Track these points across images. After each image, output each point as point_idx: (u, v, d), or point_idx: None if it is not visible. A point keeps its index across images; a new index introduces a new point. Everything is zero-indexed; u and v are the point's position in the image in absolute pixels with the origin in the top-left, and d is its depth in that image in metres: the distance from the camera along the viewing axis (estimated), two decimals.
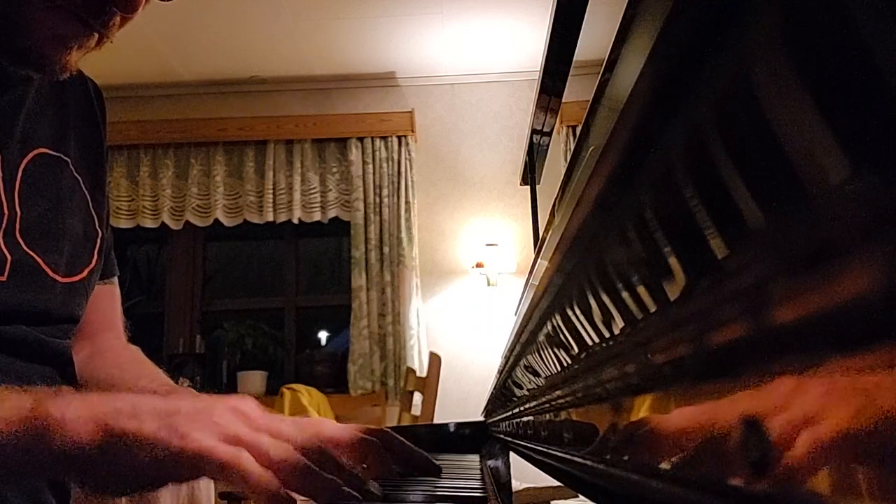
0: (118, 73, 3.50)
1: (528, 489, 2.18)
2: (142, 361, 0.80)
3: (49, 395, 0.43)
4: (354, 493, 0.45)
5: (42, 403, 0.42)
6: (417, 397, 2.91)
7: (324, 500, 0.44)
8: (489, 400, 1.27)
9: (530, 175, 1.55)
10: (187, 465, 0.41)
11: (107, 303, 0.81)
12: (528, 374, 0.59)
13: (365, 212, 3.50)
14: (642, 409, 0.24)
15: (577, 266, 0.32)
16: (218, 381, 3.66)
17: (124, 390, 0.71)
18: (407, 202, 3.49)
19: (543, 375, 0.49)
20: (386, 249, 3.46)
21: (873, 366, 0.11)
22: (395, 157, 3.54)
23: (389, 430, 0.62)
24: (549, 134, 1.42)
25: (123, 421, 0.42)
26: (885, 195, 0.10)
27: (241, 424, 0.45)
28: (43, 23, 0.53)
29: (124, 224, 3.55)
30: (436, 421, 2.72)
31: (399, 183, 3.51)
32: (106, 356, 0.77)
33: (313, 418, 0.58)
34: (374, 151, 3.56)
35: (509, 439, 0.84)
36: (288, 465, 0.43)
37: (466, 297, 3.50)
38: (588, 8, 0.92)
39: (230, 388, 3.54)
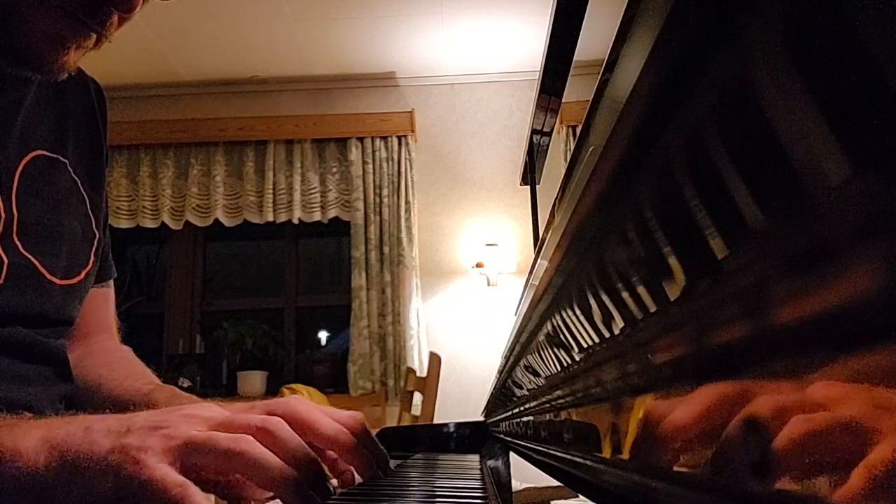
0: (118, 73, 3.50)
1: (528, 489, 2.18)
2: (131, 361, 0.80)
3: (6, 425, 0.43)
4: (313, 494, 0.43)
5: None
6: (417, 397, 2.91)
7: (283, 495, 0.42)
8: (489, 400, 1.27)
9: (530, 175, 1.55)
10: (137, 492, 0.39)
11: (101, 305, 0.81)
12: (528, 374, 0.59)
13: (365, 212, 3.50)
14: (642, 409, 0.24)
15: (577, 266, 0.32)
16: (218, 381, 3.67)
17: (110, 389, 0.71)
18: (407, 202, 3.49)
19: (543, 375, 0.49)
20: (386, 249, 3.46)
21: (874, 366, 0.11)
22: (395, 157, 3.54)
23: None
24: (549, 134, 1.42)
25: (76, 444, 0.41)
26: (885, 195, 0.10)
27: (197, 429, 0.43)
28: (40, 23, 0.53)
29: (124, 224, 3.55)
30: (436, 421, 2.72)
31: (399, 183, 3.51)
32: (96, 357, 0.77)
33: (313, 411, 0.57)
34: (374, 151, 3.56)
35: (509, 439, 0.84)
36: (247, 458, 0.42)
37: (466, 297, 3.50)
38: (588, 8, 0.92)
39: (230, 388, 3.55)
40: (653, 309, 0.22)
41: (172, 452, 0.41)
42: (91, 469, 0.40)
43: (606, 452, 0.30)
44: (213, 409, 0.47)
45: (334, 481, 0.62)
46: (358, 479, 0.61)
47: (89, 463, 0.40)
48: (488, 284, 3.46)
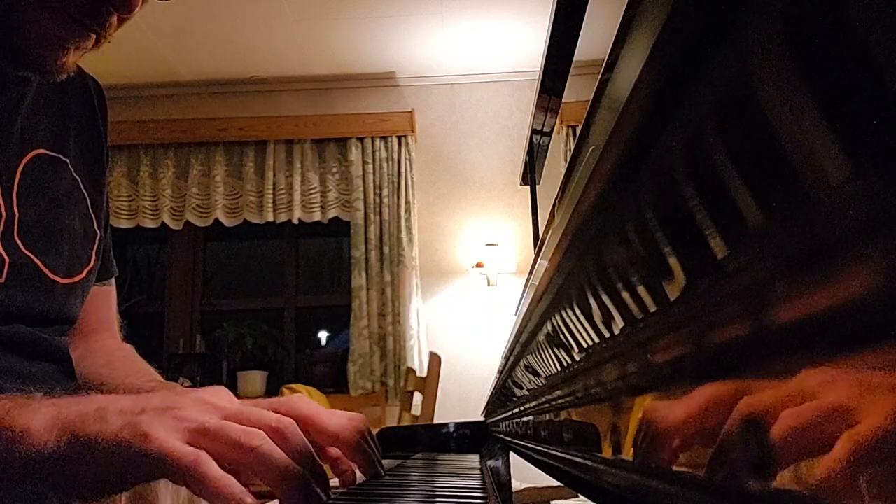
0: (118, 73, 3.50)
1: (528, 489, 2.18)
2: (133, 359, 0.80)
3: (17, 405, 0.43)
4: (319, 492, 0.43)
5: (9, 414, 0.42)
6: (417, 397, 2.91)
7: (289, 495, 0.42)
8: (489, 400, 1.27)
9: (530, 175, 1.55)
10: (149, 466, 0.40)
11: (103, 303, 0.81)
12: (528, 374, 0.59)
13: (365, 212, 3.50)
14: (642, 409, 0.24)
15: (577, 266, 0.32)
16: (218, 381, 3.66)
17: (113, 387, 0.72)
18: (407, 202, 3.49)
19: (543, 375, 0.49)
20: (386, 249, 3.46)
21: (874, 365, 0.11)
22: (395, 157, 3.54)
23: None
24: (549, 134, 1.42)
25: (88, 424, 0.41)
26: (885, 195, 0.10)
27: (209, 416, 0.43)
28: (39, 24, 0.53)
29: (124, 224, 3.55)
30: (436, 421, 2.72)
31: (399, 183, 3.51)
32: (98, 355, 0.77)
33: (317, 409, 0.58)
34: (374, 151, 3.56)
35: (509, 439, 0.84)
36: (257, 452, 0.42)
37: (466, 297, 3.50)
38: (588, 8, 0.92)
39: (230, 388, 3.52)
40: (653, 309, 0.22)
41: (184, 434, 0.41)
42: (102, 446, 0.40)
43: (606, 452, 0.30)
44: (226, 398, 0.47)
45: (335, 480, 0.63)
46: (360, 477, 0.61)
47: (100, 441, 0.40)
48: (488, 284, 3.46)
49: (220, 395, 0.48)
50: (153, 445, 0.40)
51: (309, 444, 0.46)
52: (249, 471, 0.42)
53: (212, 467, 0.40)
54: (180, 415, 0.43)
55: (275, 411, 0.56)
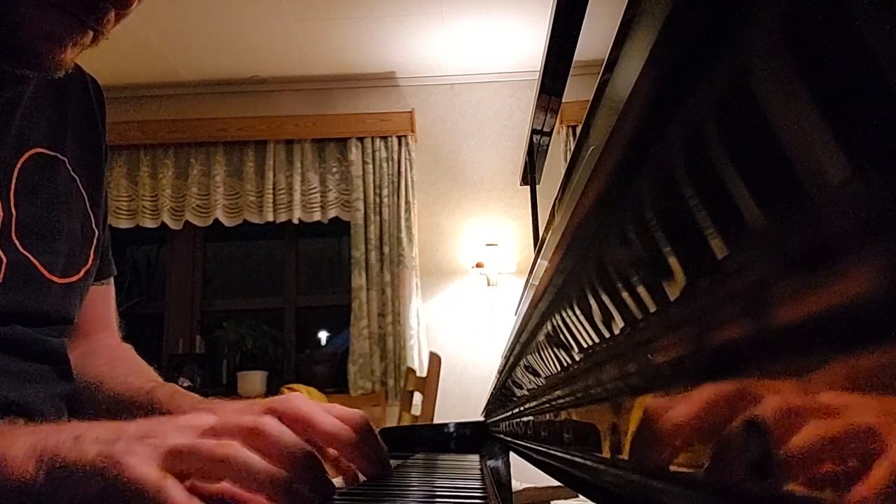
0: (118, 73, 3.50)
1: (528, 489, 2.18)
2: (132, 359, 0.80)
3: None
4: (306, 493, 0.43)
5: None
6: (417, 397, 2.91)
7: (273, 497, 0.42)
8: (489, 400, 1.27)
9: (530, 175, 1.55)
10: (124, 494, 0.40)
11: (102, 303, 0.81)
12: (528, 374, 0.59)
13: (365, 212, 3.50)
14: (642, 409, 0.24)
15: (577, 266, 0.32)
16: (218, 381, 3.67)
17: (112, 386, 0.72)
18: (407, 202, 3.49)
19: (543, 375, 0.49)
20: (386, 249, 3.46)
21: (874, 366, 0.11)
22: (395, 157, 3.54)
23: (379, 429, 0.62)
24: (549, 134, 1.42)
25: (65, 452, 0.41)
26: (885, 195, 0.10)
27: (184, 437, 0.43)
28: (36, 21, 0.52)
29: (124, 224, 3.55)
30: (436, 421, 2.72)
31: (399, 183, 3.51)
32: (98, 355, 0.77)
33: (314, 409, 0.57)
34: (374, 151, 3.56)
35: (509, 439, 0.84)
36: (231, 462, 0.41)
37: (466, 297, 3.50)
38: (588, 8, 0.92)
39: (230, 388, 3.55)
40: (653, 309, 0.22)
41: (157, 459, 0.41)
42: (78, 475, 0.40)
43: (606, 452, 0.30)
44: (207, 419, 0.47)
45: (339, 479, 0.62)
46: (361, 477, 0.61)
47: (77, 469, 0.40)
48: (488, 284, 3.46)
49: (203, 420, 0.47)
50: (125, 473, 0.40)
51: (296, 436, 0.46)
52: (231, 482, 0.42)
53: (175, 492, 0.39)
54: (156, 442, 0.42)
55: (272, 410, 0.55)
